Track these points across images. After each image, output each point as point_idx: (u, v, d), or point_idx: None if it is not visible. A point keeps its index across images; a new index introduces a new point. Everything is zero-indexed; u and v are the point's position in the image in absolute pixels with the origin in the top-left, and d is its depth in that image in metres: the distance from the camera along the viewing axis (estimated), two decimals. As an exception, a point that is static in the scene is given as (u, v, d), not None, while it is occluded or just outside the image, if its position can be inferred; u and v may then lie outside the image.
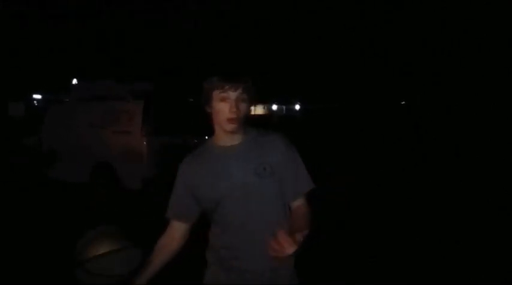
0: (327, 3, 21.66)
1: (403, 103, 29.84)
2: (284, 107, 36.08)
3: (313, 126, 17.89)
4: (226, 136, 1.58)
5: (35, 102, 22.56)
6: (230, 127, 1.52)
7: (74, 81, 16.21)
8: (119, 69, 16.02)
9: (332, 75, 26.17)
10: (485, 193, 6.81)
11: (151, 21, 18.45)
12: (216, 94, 1.51)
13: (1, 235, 4.85)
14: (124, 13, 18.25)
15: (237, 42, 20.02)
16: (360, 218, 5.56)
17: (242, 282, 1.57)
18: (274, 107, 35.04)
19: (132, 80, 7.50)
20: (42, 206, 6.28)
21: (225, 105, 1.50)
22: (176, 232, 1.68)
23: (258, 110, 32.91)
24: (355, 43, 24.31)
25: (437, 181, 7.81)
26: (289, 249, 1.26)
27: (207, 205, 1.60)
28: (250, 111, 1.59)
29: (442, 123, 18.23)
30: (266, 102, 32.83)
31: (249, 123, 1.61)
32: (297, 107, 34.68)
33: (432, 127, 17.07)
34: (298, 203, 1.61)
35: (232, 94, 1.49)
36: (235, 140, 1.59)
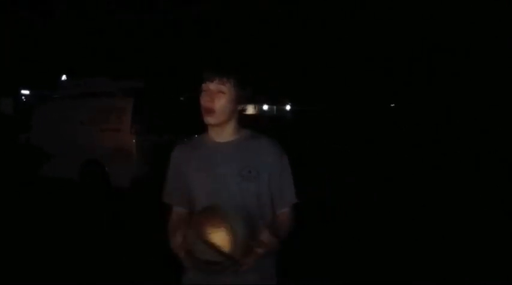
0: (322, 4, 21.75)
1: (392, 105, 30.09)
2: (275, 107, 36.04)
3: (303, 127, 17.92)
4: (213, 131, 1.58)
5: (23, 97, 22.28)
6: (206, 119, 1.52)
7: (63, 78, 16.06)
8: (109, 66, 15.89)
9: (323, 76, 26.26)
10: (485, 193, 6.80)
11: (144, 19, 18.34)
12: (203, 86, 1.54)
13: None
14: (115, 10, 18.11)
15: (230, 40, 20.00)
16: (358, 219, 5.55)
17: (220, 281, 1.47)
18: (265, 107, 34.99)
19: (123, 77, 7.43)
20: (32, 204, 6.22)
21: (202, 96, 1.51)
22: (179, 216, 1.61)
23: (248, 110, 32.86)
24: (348, 44, 24.45)
25: (437, 182, 7.80)
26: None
27: (189, 195, 1.58)
28: (234, 108, 1.54)
29: (439, 124, 18.26)
30: (257, 101, 32.76)
31: (241, 123, 1.61)
32: (288, 107, 34.69)
33: (428, 128, 17.09)
34: (283, 211, 1.59)
35: (211, 85, 1.49)
36: (226, 137, 1.57)
